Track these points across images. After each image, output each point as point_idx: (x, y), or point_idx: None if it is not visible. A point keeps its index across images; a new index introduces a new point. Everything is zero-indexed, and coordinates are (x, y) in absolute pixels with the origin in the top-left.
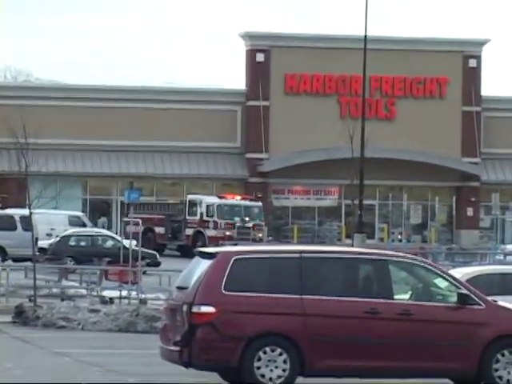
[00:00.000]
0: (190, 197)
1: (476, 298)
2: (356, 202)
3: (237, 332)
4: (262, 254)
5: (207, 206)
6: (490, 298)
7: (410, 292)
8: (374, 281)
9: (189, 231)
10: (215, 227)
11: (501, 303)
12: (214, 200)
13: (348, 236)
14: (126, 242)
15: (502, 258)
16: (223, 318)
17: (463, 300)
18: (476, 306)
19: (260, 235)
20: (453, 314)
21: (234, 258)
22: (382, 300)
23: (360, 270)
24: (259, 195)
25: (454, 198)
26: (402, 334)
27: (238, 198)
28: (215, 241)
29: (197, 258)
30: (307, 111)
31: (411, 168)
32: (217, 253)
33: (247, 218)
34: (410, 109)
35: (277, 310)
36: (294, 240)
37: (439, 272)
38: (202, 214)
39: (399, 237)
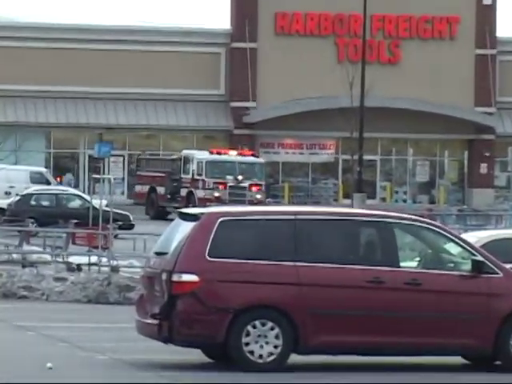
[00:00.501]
0: (184, 152)
1: (492, 266)
2: (355, 157)
3: (223, 303)
4: (251, 216)
5: (197, 163)
6: (508, 266)
7: (417, 259)
8: (378, 246)
9: (183, 191)
10: (204, 187)
11: None
12: (204, 156)
13: (346, 196)
14: (96, 202)
15: None
16: (207, 288)
17: (478, 268)
18: (493, 275)
19: (258, 197)
20: (466, 284)
21: (219, 220)
22: (386, 268)
23: (361, 234)
24: (245, 149)
25: (466, 153)
26: (409, 306)
27: (234, 153)
28: (203, 202)
29: (177, 220)
30: (300, 55)
31: (417, 119)
32: (200, 214)
33: (240, 177)
34: (416, 52)
35: (268, 279)
36: (284, 200)
37: (451, 236)
38: (193, 172)
39: (404, 196)
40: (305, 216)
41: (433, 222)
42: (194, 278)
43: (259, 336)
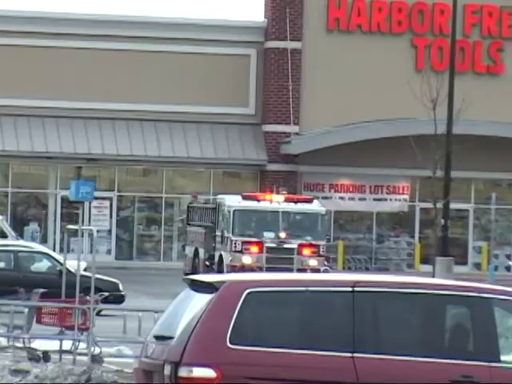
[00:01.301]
0: (219, 198)
1: None
2: (439, 205)
3: None
4: (290, 287)
5: (224, 213)
6: None
7: None
8: (469, 332)
9: (217, 254)
10: (231, 249)
11: None
12: (234, 202)
13: (425, 260)
14: (71, 264)
15: None
16: None
17: None
18: None
19: (313, 263)
20: None
21: (246, 292)
22: (480, 363)
23: (446, 314)
24: (283, 191)
25: None
26: None
27: (279, 198)
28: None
29: (187, 292)
30: (362, 59)
31: None
32: (219, 283)
33: (283, 234)
34: None
35: (315, 377)
36: (338, 264)
37: None
38: (222, 226)
39: (508, 262)
40: (367, 288)
41: None
42: (210, 372)
43: None
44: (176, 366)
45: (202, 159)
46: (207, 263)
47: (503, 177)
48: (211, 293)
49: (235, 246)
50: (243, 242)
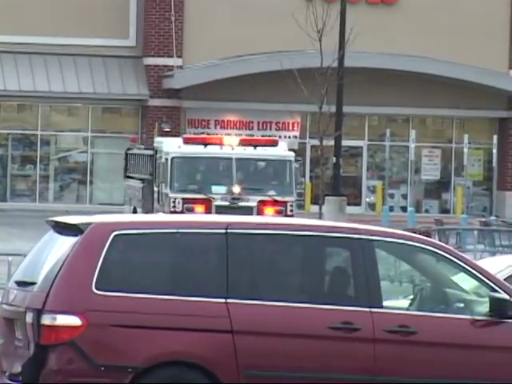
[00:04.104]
0: (156, 141)
1: None
2: (329, 141)
3: (118, 359)
4: (161, 228)
5: (162, 163)
6: None
7: (410, 296)
8: (350, 276)
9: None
10: (170, 208)
11: None
12: (172, 147)
13: (316, 201)
14: None
15: None
16: (95, 336)
17: (500, 310)
18: None
19: None
20: (482, 334)
21: (113, 235)
22: (361, 309)
23: (326, 257)
24: (166, 128)
25: (495, 138)
26: (397, 367)
27: (233, 140)
28: None
29: (51, 234)
30: None
31: (424, 87)
32: (84, 225)
33: (237, 189)
34: None
35: (185, 324)
36: None
37: (461, 263)
38: (160, 179)
39: (402, 202)
40: (242, 229)
41: (435, 242)
42: (74, 320)
43: None
44: (38, 313)
45: (79, 94)
46: None
47: (398, 112)
48: (76, 235)
49: (174, 206)
50: (185, 200)
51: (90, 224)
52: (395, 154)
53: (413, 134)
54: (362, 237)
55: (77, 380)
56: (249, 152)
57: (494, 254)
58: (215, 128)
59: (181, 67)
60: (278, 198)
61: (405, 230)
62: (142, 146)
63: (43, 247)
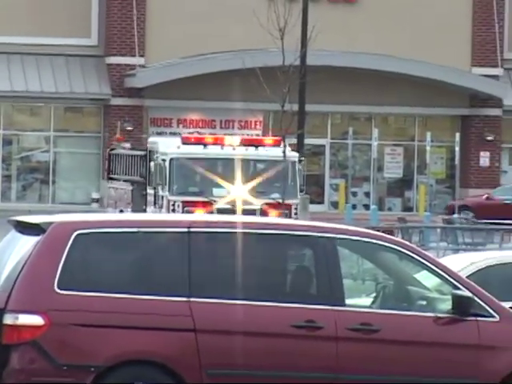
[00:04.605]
0: (150, 142)
1: (484, 305)
2: (293, 140)
3: (80, 359)
4: (123, 227)
5: (159, 164)
6: (508, 306)
7: (373, 294)
8: (313, 275)
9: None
10: (169, 212)
11: None
12: (171, 148)
13: None
14: None
15: None
16: (57, 335)
17: (462, 307)
18: (485, 318)
19: None
20: (444, 331)
21: (75, 234)
22: (324, 307)
23: (289, 255)
24: (128, 127)
25: (458, 136)
26: (359, 365)
27: (234, 140)
28: None
29: (13, 234)
30: None
31: (386, 85)
32: (47, 224)
33: (240, 191)
34: None
35: (148, 323)
36: None
37: (425, 261)
38: (156, 180)
39: (365, 200)
40: (204, 228)
41: (398, 240)
42: (37, 319)
43: None
44: (0, 313)
45: (41, 93)
46: None
47: (361, 110)
48: (38, 235)
49: (174, 209)
50: (185, 203)
51: (52, 223)
52: (358, 152)
53: (375, 132)
54: (325, 235)
55: (39, 379)
56: (251, 152)
57: (456, 251)
58: (177, 127)
59: (143, 66)
60: (282, 201)
61: (367, 228)
62: (128, 146)
63: (5, 247)
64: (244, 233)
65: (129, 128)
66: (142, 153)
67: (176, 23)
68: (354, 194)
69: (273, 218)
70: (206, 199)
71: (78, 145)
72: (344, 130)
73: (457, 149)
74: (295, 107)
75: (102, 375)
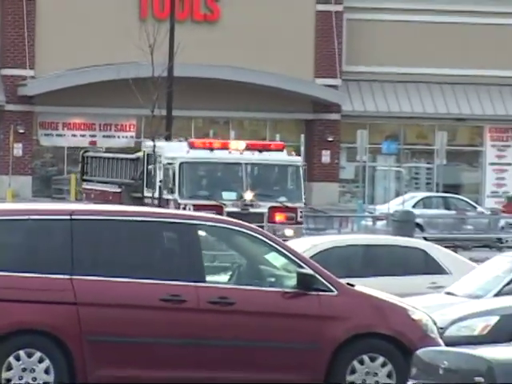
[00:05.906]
0: (146, 146)
1: (324, 281)
2: (161, 141)
3: None
4: (15, 215)
5: (166, 168)
6: (345, 281)
7: (229, 272)
8: (177, 255)
9: None
10: None
11: (360, 288)
12: (180, 152)
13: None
14: None
15: (370, 223)
16: None
17: (306, 283)
18: (324, 293)
19: (290, 234)
20: (290, 304)
21: None
22: (187, 283)
23: (156, 238)
24: (21, 130)
25: (303, 137)
26: (218, 332)
27: (239, 145)
28: None
29: None
30: (90, 11)
31: (241, 93)
32: None
33: (249, 195)
34: (239, 7)
35: (34, 297)
36: (70, 196)
37: (271, 243)
38: (160, 184)
39: None
40: (84, 216)
41: (249, 225)
42: None
43: (24, 370)
44: None
45: None
46: None
47: (220, 115)
48: None
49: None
50: (196, 207)
51: None
52: None
53: (232, 134)
54: (186, 221)
55: None
56: (258, 157)
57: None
58: (63, 129)
59: (33, 77)
60: (289, 204)
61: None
62: (101, 149)
63: None
64: (119, 220)
65: (21, 131)
66: (133, 156)
67: (62, 40)
68: None
69: (147, 207)
70: (216, 203)
71: None
72: (205, 132)
73: (302, 148)
74: (163, 112)
75: None
